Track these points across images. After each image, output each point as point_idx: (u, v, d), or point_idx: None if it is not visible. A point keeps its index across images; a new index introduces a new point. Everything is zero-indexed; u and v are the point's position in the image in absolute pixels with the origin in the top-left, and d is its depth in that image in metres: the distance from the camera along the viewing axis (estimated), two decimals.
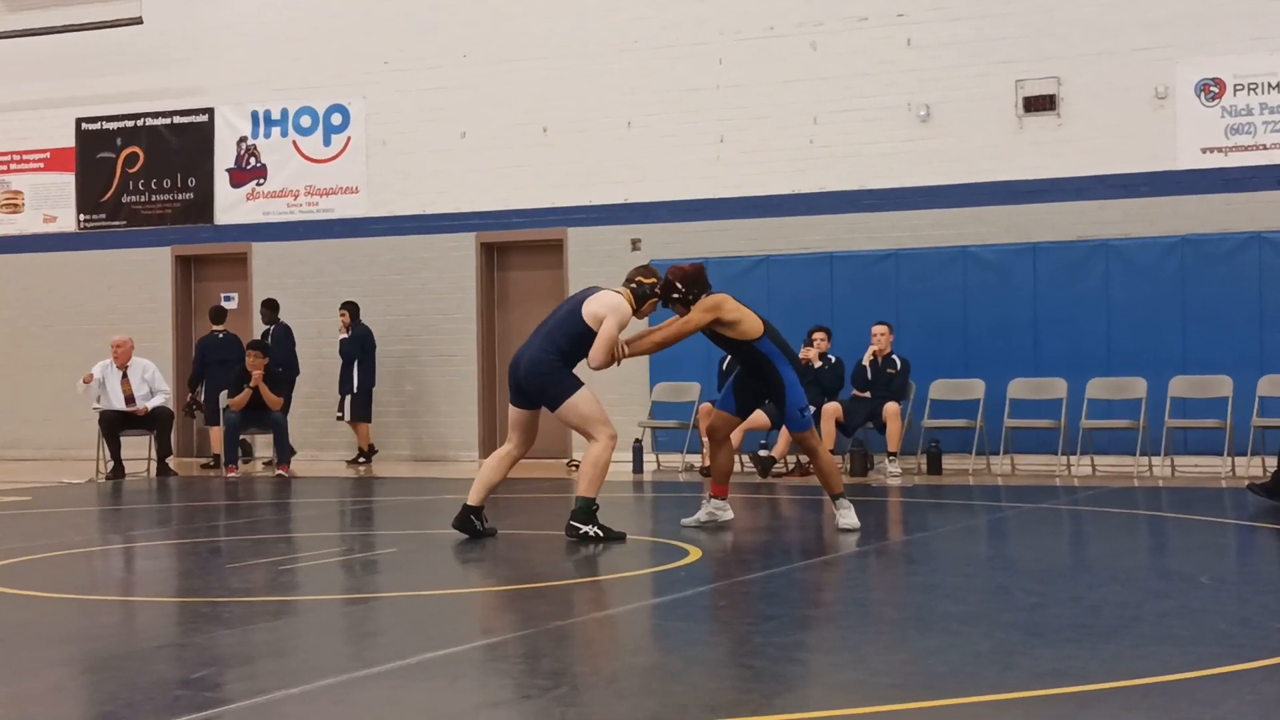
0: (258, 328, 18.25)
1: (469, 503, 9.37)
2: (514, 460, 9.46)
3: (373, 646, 5.95)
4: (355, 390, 17.39)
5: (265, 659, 5.88)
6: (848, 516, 9.61)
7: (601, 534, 9.06)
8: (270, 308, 18.05)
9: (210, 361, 17.45)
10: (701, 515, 9.86)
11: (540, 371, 9.08)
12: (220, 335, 17.65)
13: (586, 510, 9.07)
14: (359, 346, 17.45)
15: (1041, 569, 8.35)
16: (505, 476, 9.49)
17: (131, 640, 6.49)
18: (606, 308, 9.08)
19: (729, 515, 9.97)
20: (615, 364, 9.22)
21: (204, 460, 17.85)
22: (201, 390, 17.56)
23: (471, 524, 9.39)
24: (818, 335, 15.19)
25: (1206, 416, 14.47)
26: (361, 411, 17.44)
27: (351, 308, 17.63)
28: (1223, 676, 5.15)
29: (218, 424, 17.09)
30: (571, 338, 9.10)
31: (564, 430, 17.09)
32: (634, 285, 9.38)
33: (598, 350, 9.04)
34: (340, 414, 17.53)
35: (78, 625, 6.78)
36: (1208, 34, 15.18)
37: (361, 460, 17.40)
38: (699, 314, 9.30)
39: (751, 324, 9.36)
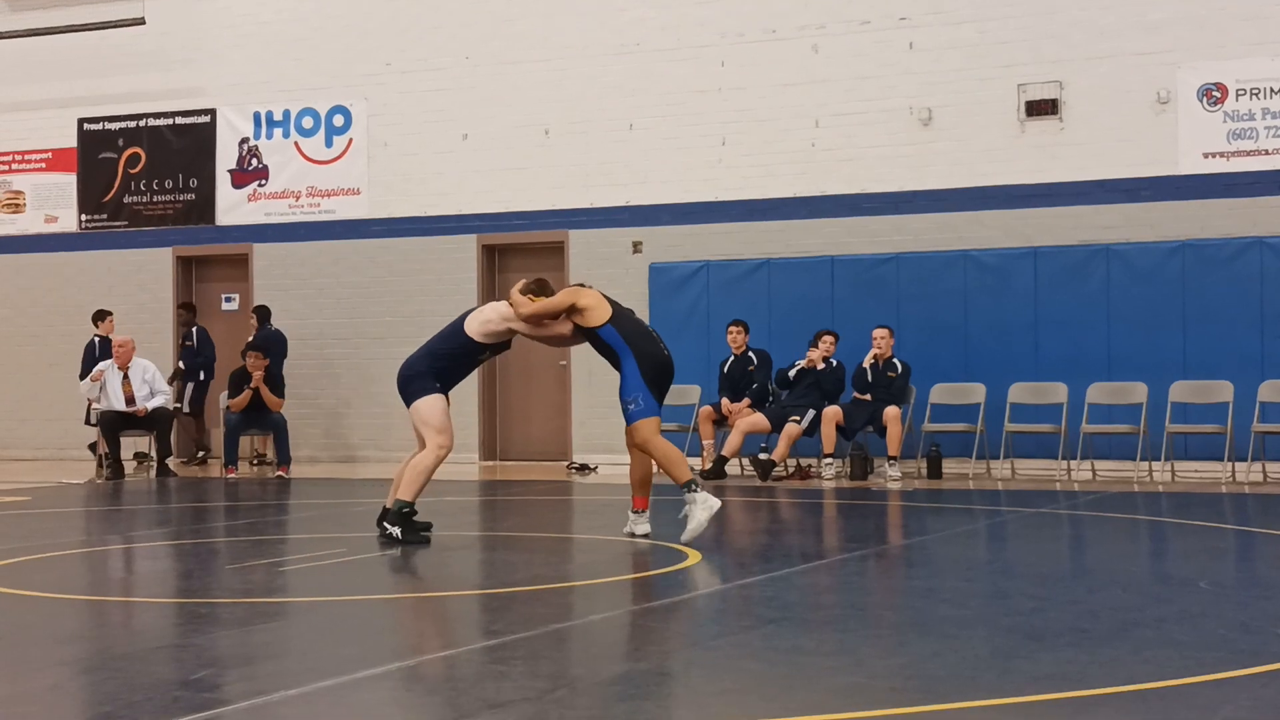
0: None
1: (400, 499, 9.49)
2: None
3: (372, 648, 5.95)
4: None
5: (264, 660, 5.88)
6: (696, 513, 9.01)
7: (402, 536, 9.28)
8: (188, 310, 18.18)
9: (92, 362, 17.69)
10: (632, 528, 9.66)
11: (407, 372, 9.59)
12: (100, 340, 17.84)
13: (398, 513, 9.37)
14: (262, 350, 17.45)
15: (1041, 573, 8.35)
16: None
17: (130, 641, 6.49)
18: (492, 313, 9.57)
19: (644, 529, 9.53)
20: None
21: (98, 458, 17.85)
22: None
23: (383, 522, 9.63)
24: (826, 338, 15.19)
25: (1207, 421, 14.47)
26: None
27: (261, 311, 17.83)
28: (1222, 681, 5.16)
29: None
30: (448, 345, 9.58)
31: (563, 433, 17.11)
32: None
33: (520, 311, 9.47)
34: None
35: (77, 626, 6.78)
36: (1210, 38, 15.18)
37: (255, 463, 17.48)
38: (563, 295, 9.52)
39: (599, 312, 9.39)
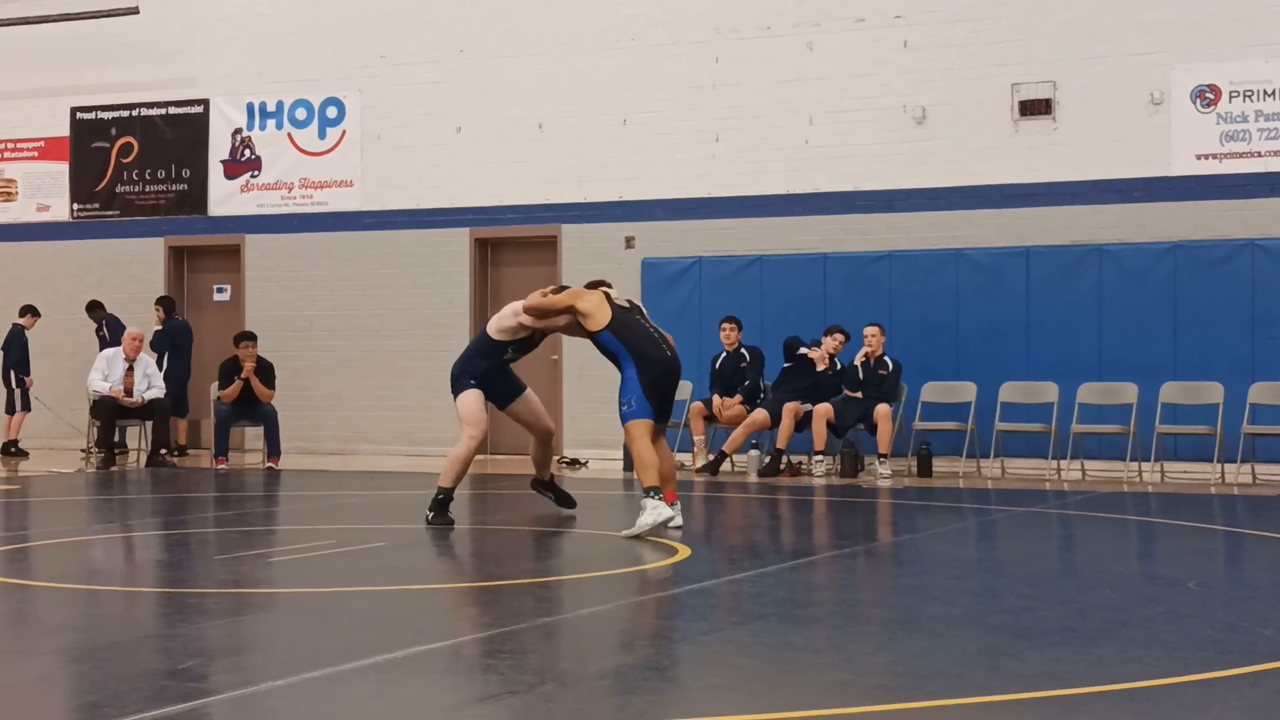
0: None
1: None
2: (537, 443, 10.72)
3: (360, 640, 5.94)
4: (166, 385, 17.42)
5: (252, 651, 5.88)
6: (643, 518, 9.17)
7: (431, 520, 9.90)
8: (96, 307, 18.26)
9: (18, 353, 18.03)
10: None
11: (453, 373, 10.34)
12: (18, 330, 18.14)
13: (435, 498, 10.00)
14: (168, 341, 17.44)
15: (1030, 572, 8.36)
16: (540, 453, 10.76)
17: (118, 631, 6.48)
18: (507, 309, 10.25)
19: (676, 521, 9.61)
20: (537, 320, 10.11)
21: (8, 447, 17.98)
22: (12, 379, 18.07)
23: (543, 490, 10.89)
24: (837, 335, 15.11)
25: (1197, 423, 14.48)
26: (175, 406, 17.37)
27: (166, 302, 17.96)
28: (1209, 681, 5.16)
29: (13, 412, 17.98)
30: (478, 345, 10.41)
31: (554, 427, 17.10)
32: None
33: (524, 303, 10.16)
34: None
35: (64, 615, 6.76)
36: (1204, 40, 15.19)
37: (170, 453, 17.40)
38: (565, 295, 10.07)
39: (598, 318, 9.79)
